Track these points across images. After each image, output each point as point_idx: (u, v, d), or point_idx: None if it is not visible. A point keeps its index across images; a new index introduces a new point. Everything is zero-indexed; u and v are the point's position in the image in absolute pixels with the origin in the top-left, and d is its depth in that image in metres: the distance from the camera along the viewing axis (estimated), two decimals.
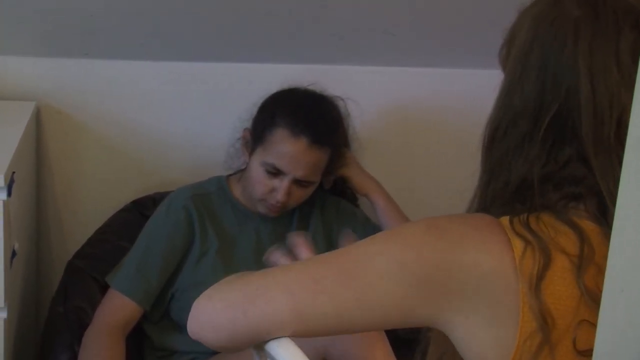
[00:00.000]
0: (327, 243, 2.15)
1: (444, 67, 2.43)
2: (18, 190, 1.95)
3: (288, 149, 2.01)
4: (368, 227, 2.17)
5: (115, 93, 2.34)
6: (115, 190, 2.37)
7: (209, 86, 2.38)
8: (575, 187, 1.09)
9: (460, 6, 2.20)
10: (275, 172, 2.03)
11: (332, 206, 2.21)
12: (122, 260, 2.09)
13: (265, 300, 1.10)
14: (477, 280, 1.04)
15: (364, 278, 1.07)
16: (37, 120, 2.29)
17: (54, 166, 2.35)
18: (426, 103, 2.48)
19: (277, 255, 1.26)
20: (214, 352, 2.04)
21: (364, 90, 2.35)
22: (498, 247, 1.05)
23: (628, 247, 0.83)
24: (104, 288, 2.09)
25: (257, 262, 1.36)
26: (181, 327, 2.08)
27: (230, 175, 2.21)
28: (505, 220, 1.08)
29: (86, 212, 2.38)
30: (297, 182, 2.04)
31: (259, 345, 1.14)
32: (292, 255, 1.26)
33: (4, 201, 1.83)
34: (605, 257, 0.88)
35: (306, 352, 1.13)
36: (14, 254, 1.93)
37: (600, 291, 0.89)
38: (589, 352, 0.93)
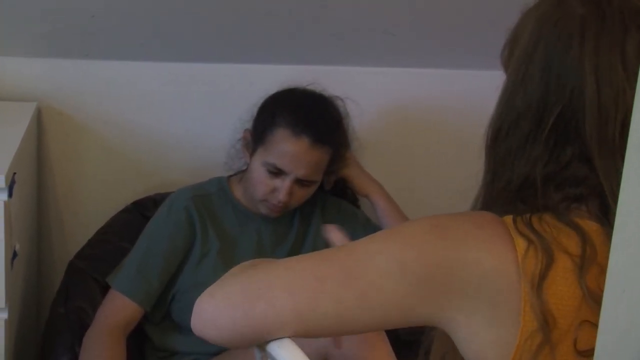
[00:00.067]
0: (328, 244, 2.15)
1: (444, 68, 2.43)
2: (19, 191, 1.95)
3: (289, 149, 2.01)
4: (369, 228, 2.17)
5: (116, 94, 2.34)
6: (116, 191, 2.37)
7: (209, 87, 2.38)
8: (576, 188, 1.09)
9: (460, 6, 2.20)
10: (276, 172, 2.03)
11: (333, 207, 2.21)
12: (123, 261, 2.09)
13: (266, 300, 1.10)
14: (478, 278, 1.04)
15: (365, 277, 1.07)
16: (38, 121, 2.29)
17: (55, 167, 2.35)
18: (426, 103, 2.48)
19: (335, 234, 1.27)
20: (215, 353, 2.05)
21: (364, 91, 2.35)
22: (501, 246, 1.05)
23: (629, 247, 0.83)
24: (105, 289, 2.09)
25: None
26: (182, 328, 2.08)
27: (231, 176, 2.21)
28: (508, 219, 1.08)
29: (87, 212, 2.39)
30: (299, 182, 2.04)
31: (261, 345, 1.14)
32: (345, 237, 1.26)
33: (4, 202, 1.83)
34: (607, 258, 0.88)
35: (307, 352, 1.13)
36: (14, 254, 1.93)
37: (602, 291, 0.89)
38: (589, 353, 0.93)
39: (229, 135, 2.25)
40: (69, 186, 2.38)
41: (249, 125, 2.15)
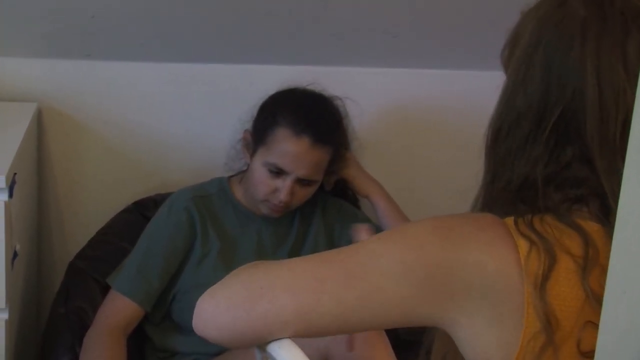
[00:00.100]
0: (328, 244, 2.16)
1: (444, 69, 2.43)
2: (19, 192, 1.95)
3: (291, 148, 2.01)
4: None
5: (117, 94, 2.34)
6: (116, 192, 2.37)
7: (209, 87, 2.38)
8: (577, 188, 1.09)
9: (461, 6, 2.20)
10: (277, 172, 2.03)
11: (333, 207, 2.21)
12: (123, 262, 2.09)
13: (268, 300, 1.10)
14: (480, 280, 1.04)
15: (366, 278, 1.07)
16: (39, 122, 2.29)
17: (56, 167, 2.35)
18: (426, 103, 2.48)
19: (363, 231, 1.28)
20: (216, 354, 2.05)
21: (364, 91, 2.35)
22: (503, 248, 1.05)
23: (630, 248, 0.83)
24: (105, 289, 2.09)
25: None
26: (182, 329, 2.08)
27: (232, 176, 2.21)
28: (509, 220, 1.08)
29: (87, 213, 2.39)
30: (300, 182, 2.04)
31: (262, 345, 1.14)
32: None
33: (5, 202, 1.83)
34: (609, 258, 0.88)
35: (307, 352, 1.14)
36: (15, 255, 1.93)
37: None
38: (593, 354, 0.93)
39: (229, 136, 2.25)
40: (70, 186, 2.38)
41: (248, 125, 2.15)
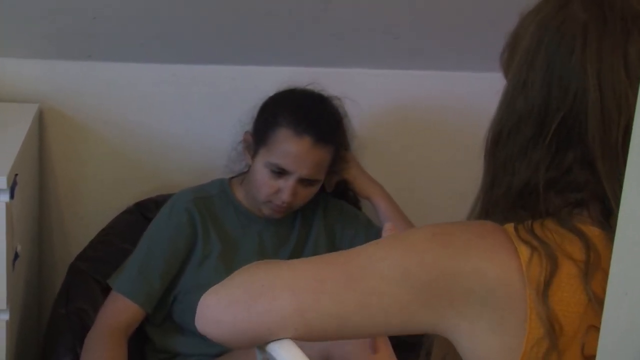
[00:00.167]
0: (329, 245, 2.16)
1: (444, 70, 2.44)
2: (21, 193, 1.95)
3: (292, 148, 2.02)
4: (370, 230, 2.17)
5: (117, 95, 2.34)
6: (117, 193, 2.37)
7: (209, 88, 2.38)
8: (577, 193, 1.09)
9: (461, 7, 2.20)
10: (279, 172, 2.03)
11: (334, 208, 2.22)
12: (125, 263, 2.09)
13: (268, 298, 1.11)
14: (481, 287, 1.03)
15: (366, 281, 1.07)
16: (40, 123, 2.29)
17: (57, 168, 2.36)
18: (426, 104, 2.48)
19: (388, 230, 1.28)
20: (217, 355, 2.05)
21: (364, 92, 2.35)
22: (503, 255, 1.04)
23: (631, 250, 0.83)
24: (106, 290, 2.09)
25: None
26: (183, 330, 2.08)
27: (233, 178, 2.21)
28: (510, 227, 1.07)
29: (89, 214, 2.39)
30: (302, 182, 2.05)
31: (262, 346, 1.14)
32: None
33: (6, 203, 1.83)
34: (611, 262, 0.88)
35: (308, 353, 1.14)
36: (16, 256, 1.94)
37: None
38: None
39: (230, 136, 2.25)
40: (71, 187, 2.39)
41: (249, 127, 2.15)
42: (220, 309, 1.15)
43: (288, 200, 2.04)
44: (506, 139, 1.12)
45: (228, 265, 2.06)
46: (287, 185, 2.03)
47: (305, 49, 2.32)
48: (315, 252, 2.12)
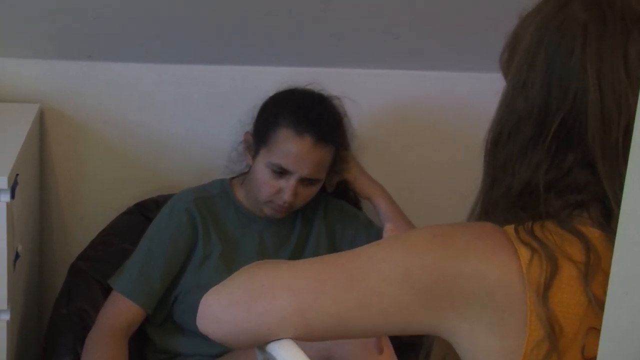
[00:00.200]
0: (330, 245, 2.16)
1: (444, 70, 2.44)
2: (21, 193, 1.95)
3: (293, 148, 2.02)
4: (371, 231, 2.18)
5: (118, 95, 2.35)
6: (118, 193, 2.37)
7: (209, 88, 2.39)
8: (578, 194, 1.09)
9: (461, 7, 2.20)
10: (281, 172, 2.03)
11: (335, 209, 2.22)
12: (125, 263, 2.09)
13: (267, 297, 1.11)
14: (481, 289, 1.03)
15: (367, 282, 1.07)
16: (41, 123, 2.29)
17: (58, 168, 2.36)
18: (426, 104, 2.48)
19: (389, 230, 1.29)
20: (217, 355, 2.05)
21: (364, 92, 2.36)
22: (503, 257, 1.04)
23: (632, 250, 0.83)
24: (107, 290, 2.09)
25: None
26: (184, 330, 2.08)
27: (233, 178, 2.21)
28: (510, 229, 1.07)
29: (89, 214, 2.39)
30: (303, 181, 2.05)
31: (263, 346, 1.14)
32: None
33: (7, 203, 1.83)
34: (611, 264, 0.87)
35: (308, 354, 1.14)
36: (17, 256, 1.94)
37: None
38: None
39: (230, 137, 2.25)
40: (71, 187, 2.39)
41: (249, 127, 2.15)
42: (220, 309, 1.15)
43: (289, 200, 2.04)
44: (506, 140, 1.12)
45: (229, 266, 2.06)
46: (288, 185, 2.03)
47: (305, 49, 2.32)
48: (316, 252, 2.13)
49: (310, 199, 2.10)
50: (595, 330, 1.00)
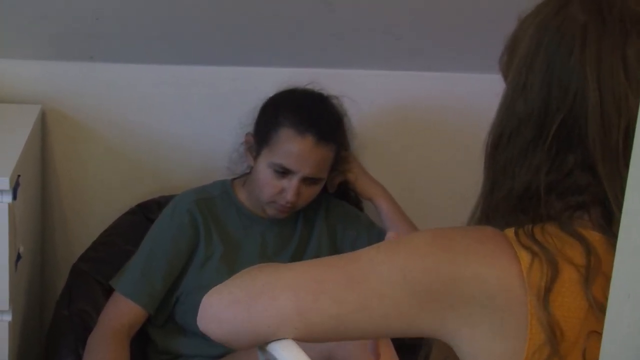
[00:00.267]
0: (331, 246, 2.16)
1: (445, 71, 2.44)
2: (23, 194, 1.96)
3: (295, 148, 2.02)
4: (372, 231, 2.18)
5: (119, 96, 2.35)
6: (120, 194, 2.38)
7: (210, 89, 2.39)
8: (578, 196, 1.08)
9: (461, 7, 2.20)
10: (283, 172, 2.03)
11: (336, 209, 2.22)
12: (127, 264, 2.09)
13: (268, 297, 1.11)
14: (481, 293, 1.03)
15: (367, 284, 1.07)
16: (43, 124, 2.29)
17: (59, 169, 2.36)
18: (426, 105, 2.48)
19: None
20: (219, 356, 2.05)
21: (365, 92, 2.36)
22: (504, 260, 1.04)
23: (634, 252, 0.83)
24: (109, 291, 2.09)
25: None
26: (186, 331, 2.08)
27: (235, 179, 2.21)
28: (510, 232, 1.07)
29: (91, 215, 2.39)
30: (305, 181, 2.05)
31: (263, 347, 1.15)
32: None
33: (9, 204, 1.84)
34: (612, 267, 0.87)
35: (310, 354, 1.14)
36: (19, 256, 1.94)
37: None
38: None
39: (230, 137, 2.25)
40: (73, 188, 2.39)
41: (250, 128, 2.15)
42: (221, 309, 1.16)
43: (292, 200, 2.04)
44: (506, 143, 1.12)
45: (230, 267, 2.06)
46: (290, 185, 2.03)
47: (305, 50, 2.32)
48: (317, 253, 2.13)
49: (312, 198, 2.10)
50: (597, 333, 1.00)
